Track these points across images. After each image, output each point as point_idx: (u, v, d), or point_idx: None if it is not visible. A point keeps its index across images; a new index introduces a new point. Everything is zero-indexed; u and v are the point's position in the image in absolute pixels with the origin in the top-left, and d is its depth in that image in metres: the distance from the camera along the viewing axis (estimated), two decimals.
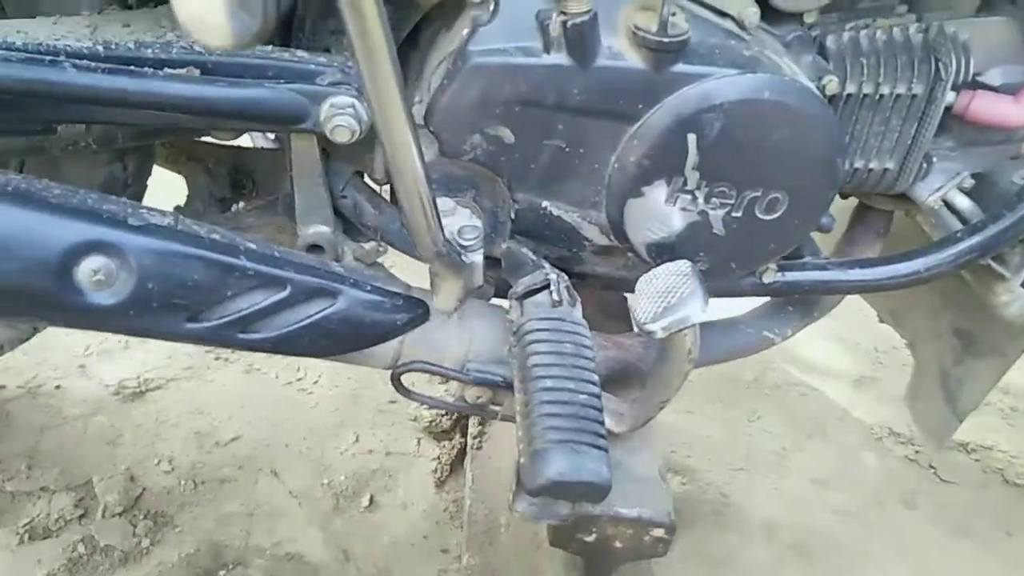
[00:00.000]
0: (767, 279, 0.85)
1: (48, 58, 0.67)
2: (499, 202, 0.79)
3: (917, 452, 1.46)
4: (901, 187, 0.86)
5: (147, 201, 1.01)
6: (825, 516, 1.33)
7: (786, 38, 0.77)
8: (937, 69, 0.78)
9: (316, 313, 0.73)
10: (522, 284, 0.77)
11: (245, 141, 1.30)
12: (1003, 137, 0.85)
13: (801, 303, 0.95)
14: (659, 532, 0.79)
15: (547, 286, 0.75)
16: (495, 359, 0.79)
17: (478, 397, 0.80)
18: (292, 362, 1.51)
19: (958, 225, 0.87)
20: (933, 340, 1.09)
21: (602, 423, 0.66)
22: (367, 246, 0.86)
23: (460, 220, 0.77)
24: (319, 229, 0.83)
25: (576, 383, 0.67)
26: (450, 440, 1.37)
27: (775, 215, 0.75)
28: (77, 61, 0.67)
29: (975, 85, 0.80)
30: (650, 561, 1.06)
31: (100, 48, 0.70)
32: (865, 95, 0.79)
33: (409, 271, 0.83)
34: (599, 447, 0.64)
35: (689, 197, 0.73)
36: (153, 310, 0.68)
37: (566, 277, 0.76)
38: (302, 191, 0.81)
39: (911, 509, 1.36)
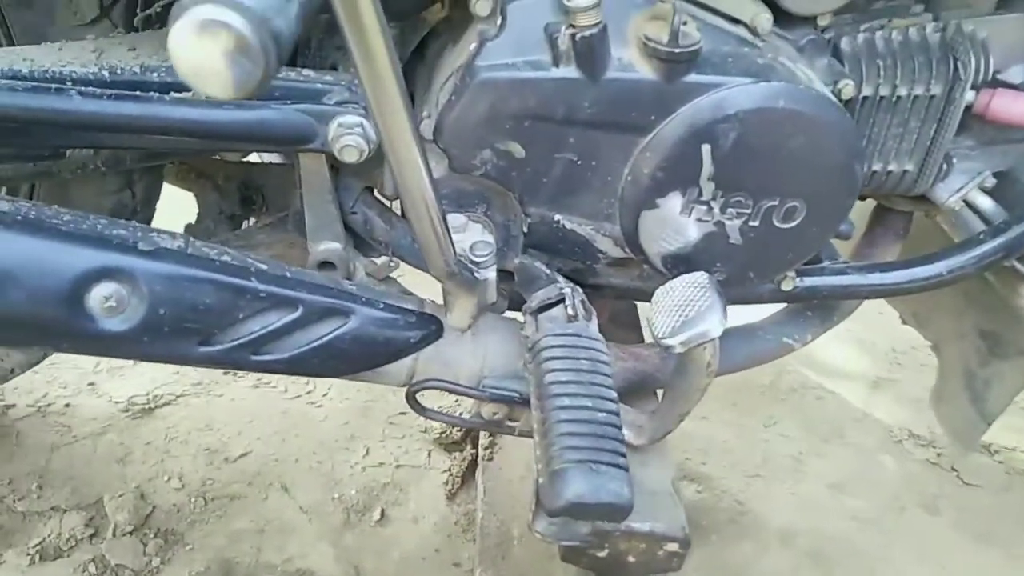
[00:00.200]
0: (786, 286, 0.84)
1: (54, 86, 0.67)
2: (511, 216, 0.78)
3: (939, 455, 1.44)
4: (921, 188, 0.85)
5: (157, 217, 1.00)
6: (843, 522, 1.31)
7: (800, 42, 0.75)
8: (955, 68, 0.77)
9: (328, 333, 0.73)
10: (536, 298, 0.76)
11: (254, 156, 1.30)
12: None
13: (820, 308, 0.94)
14: (673, 547, 0.78)
15: (562, 300, 0.74)
16: (511, 374, 0.78)
17: (494, 413, 0.79)
18: (301, 377, 1.50)
19: (980, 226, 0.86)
20: (958, 341, 1.07)
21: (621, 441, 0.65)
22: (379, 262, 0.85)
23: (472, 236, 0.76)
24: (330, 246, 0.82)
25: (594, 400, 0.66)
26: (461, 452, 1.36)
27: (793, 224, 0.73)
28: (83, 88, 0.67)
29: (995, 83, 0.78)
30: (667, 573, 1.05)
31: (106, 73, 0.70)
32: (882, 97, 0.78)
33: (423, 282, 0.82)
34: (619, 466, 0.63)
35: (705, 207, 0.72)
36: (165, 335, 0.68)
37: (580, 290, 0.75)
38: (312, 208, 0.80)
39: (932, 514, 1.34)
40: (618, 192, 0.73)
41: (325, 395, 1.47)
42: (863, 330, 1.72)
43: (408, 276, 0.84)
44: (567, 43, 0.66)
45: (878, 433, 1.50)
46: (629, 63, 0.67)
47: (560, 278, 0.77)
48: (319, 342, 0.73)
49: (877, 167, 0.82)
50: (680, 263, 0.75)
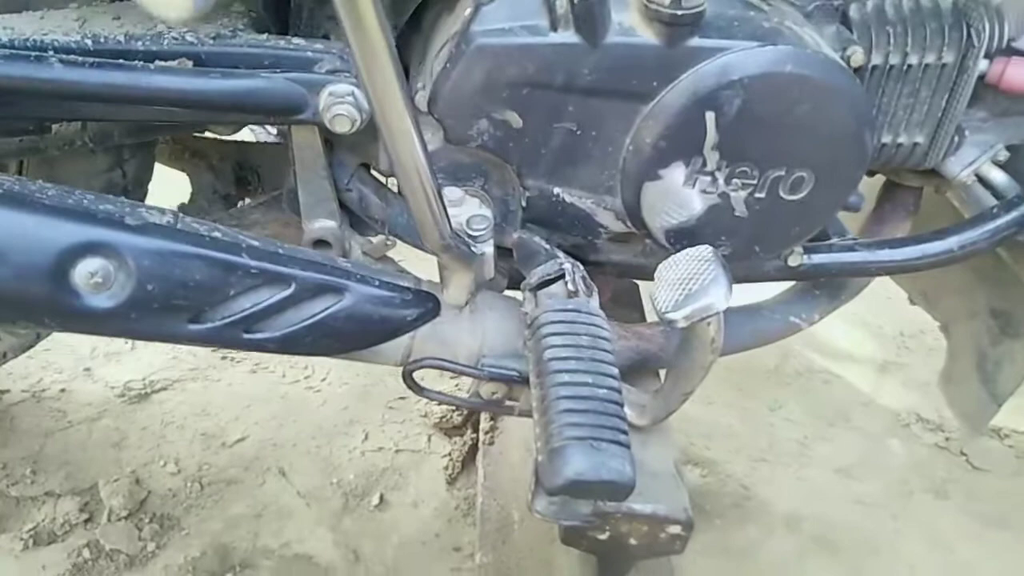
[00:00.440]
0: (793, 262, 0.81)
1: (34, 54, 0.65)
2: (509, 190, 0.76)
3: (947, 439, 1.42)
4: (931, 162, 0.82)
5: (150, 198, 0.99)
6: (850, 507, 1.29)
7: (807, 8, 0.73)
8: (968, 36, 0.74)
9: (322, 311, 0.71)
10: (536, 274, 0.74)
11: (249, 136, 1.28)
12: None
13: (828, 286, 0.91)
14: (675, 529, 0.76)
15: (562, 276, 0.72)
16: (510, 353, 0.77)
17: (493, 393, 0.77)
18: (299, 360, 1.49)
19: (992, 200, 0.83)
20: (968, 321, 1.05)
21: (623, 418, 0.63)
22: (375, 240, 0.83)
23: (469, 210, 0.74)
24: (325, 224, 0.80)
25: (594, 376, 0.64)
26: (461, 436, 1.34)
27: (800, 195, 0.71)
28: (65, 56, 0.65)
29: (1010, 52, 0.76)
30: (670, 556, 1.04)
31: (89, 42, 0.67)
32: (892, 66, 0.75)
33: (421, 266, 0.80)
34: (620, 443, 0.61)
35: (709, 179, 0.69)
36: (154, 312, 0.66)
37: (581, 266, 0.73)
38: (306, 185, 0.78)
39: (941, 499, 1.32)
40: (619, 163, 0.70)
41: (324, 380, 1.45)
42: (870, 313, 1.69)
43: (408, 263, 0.82)
44: (565, 7, 0.64)
45: (885, 417, 1.48)
46: (630, 27, 0.65)
47: (560, 254, 0.75)
48: (313, 320, 0.71)
49: (886, 140, 0.80)
50: (683, 237, 0.73)
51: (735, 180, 0.70)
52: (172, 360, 1.45)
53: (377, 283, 0.73)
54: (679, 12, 0.63)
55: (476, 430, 1.33)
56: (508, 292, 0.84)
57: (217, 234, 0.69)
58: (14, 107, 0.69)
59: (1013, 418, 1.43)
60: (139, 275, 0.65)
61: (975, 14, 0.74)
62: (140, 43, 0.68)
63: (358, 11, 0.47)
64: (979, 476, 1.37)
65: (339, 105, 0.67)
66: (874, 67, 0.75)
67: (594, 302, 0.71)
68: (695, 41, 0.65)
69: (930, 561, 1.21)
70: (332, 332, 0.72)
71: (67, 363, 1.41)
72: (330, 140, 0.77)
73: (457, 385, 1.32)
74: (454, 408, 1.36)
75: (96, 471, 1.20)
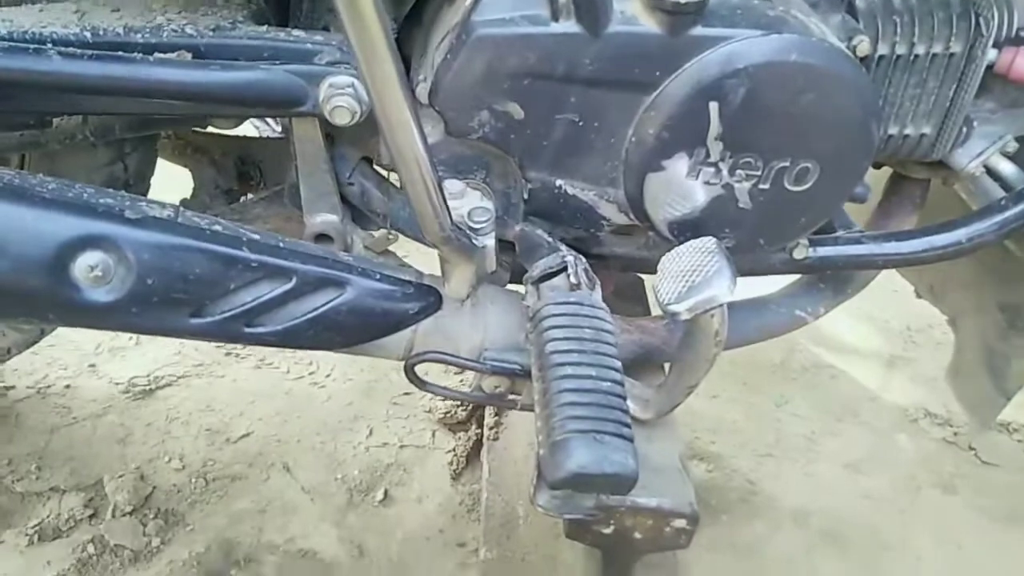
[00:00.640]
0: (798, 255, 0.81)
1: (33, 47, 0.64)
2: (511, 183, 0.75)
3: (955, 434, 1.41)
4: (939, 154, 0.81)
5: (152, 193, 0.98)
6: (858, 502, 1.28)
7: None
8: (977, 25, 0.73)
9: (324, 304, 0.70)
10: (538, 267, 0.73)
11: (251, 132, 1.28)
12: None
13: (834, 279, 0.91)
14: (681, 523, 0.75)
15: (564, 269, 0.71)
16: (512, 346, 0.76)
17: (496, 387, 0.77)
18: (304, 356, 1.49)
19: (1000, 192, 0.82)
20: (976, 315, 1.04)
21: (626, 411, 0.62)
22: (377, 234, 0.83)
23: (470, 202, 0.73)
24: (327, 218, 0.80)
25: (597, 369, 0.63)
26: (466, 432, 1.34)
27: (805, 186, 0.70)
28: (63, 49, 0.65)
29: (1018, 41, 0.74)
30: (675, 551, 1.03)
31: (88, 35, 0.67)
32: (899, 56, 0.74)
33: (424, 260, 0.79)
34: (623, 436, 0.60)
35: (712, 170, 0.69)
36: (154, 306, 0.66)
37: (583, 259, 0.73)
38: (307, 179, 0.78)
39: (949, 493, 1.31)
40: (622, 154, 0.70)
41: (328, 376, 1.45)
42: (877, 308, 1.68)
43: (411, 259, 0.81)
44: None
45: (893, 412, 1.47)
46: (632, 16, 0.64)
47: (562, 246, 0.74)
48: (314, 313, 0.70)
49: (893, 131, 0.79)
50: (687, 229, 0.72)
51: (739, 171, 0.69)
52: (176, 356, 1.45)
53: (379, 277, 0.73)
54: (682, 1, 0.62)
55: (480, 426, 1.32)
56: (510, 286, 0.84)
57: (218, 228, 0.68)
58: (14, 100, 0.69)
59: (1022, 412, 1.42)
60: (139, 269, 0.64)
61: (984, 3, 0.72)
62: (139, 35, 0.68)
63: (356, 4, 0.46)
64: (987, 471, 1.36)
65: (339, 97, 0.67)
66: (880, 57, 0.74)
67: (597, 295, 0.70)
68: (698, 30, 0.64)
69: (938, 556, 1.20)
70: (334, 326, 0.71)
71: (72, 359, 1.41)
72: (331, 134, 0.77)
73: (461, 380, 1.31)
74: (458, 404, 1.36)
75: (101, 467, 1.20)
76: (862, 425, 1.44)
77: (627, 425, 0.61)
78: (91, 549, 1.09)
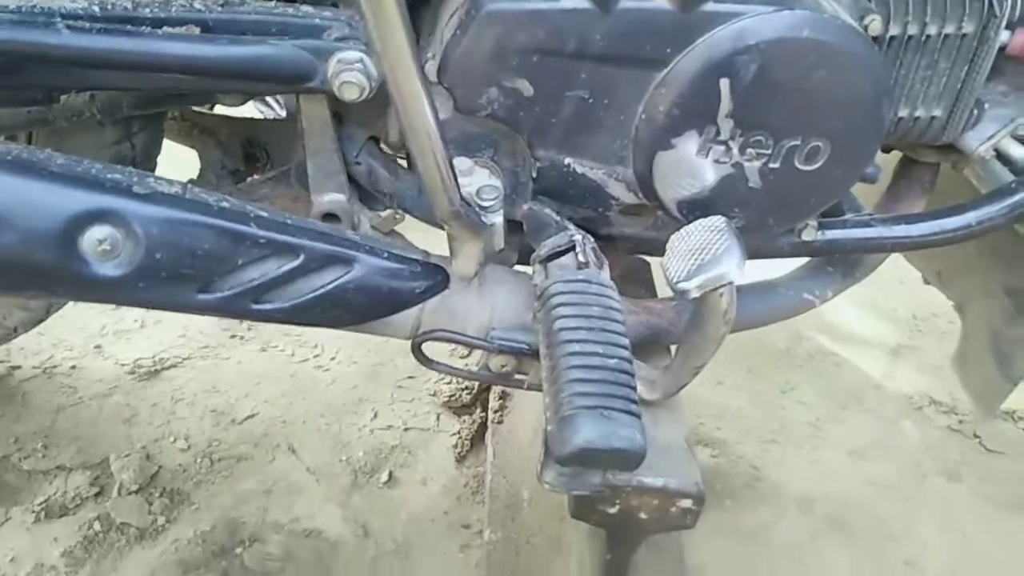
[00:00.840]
0: (807, 236, 0.80)
1: (42, 19, 0.64)
2: (519, 161, 0.75)
3: (960, 422, 1.40)
4: (949, 136, 0.80)
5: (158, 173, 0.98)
6: (863, 489, 1.28)
7: None
8: (990, 5, 0.72)
9: (331, 282, 0.70)
10: (546, 246, 0.73)
11: (255, 116, 1.27)
12: None
13: (842, 263, 0.90)
14: (686, 503, 0.75)
15: (572, 248, 0.71)
16: (519, 326, 0.76)
17: (503, 366, 0.77)
18: (309, 339, 1.49)
19: (1010, 176, 0.81)
20: (983, 300, 1.03)
21: (634, 387, 0.62)
22: (384, 214, 0.82)
23: (478, 180, 0.73)
24: (334, 197, 0.79)
25: (605, 346, 0.63)
26: (470, 415, 1.34)
27: (816, 165, 0.70)
28: (72, 22, 0.64)
29: None
30: (680, 534, 1.03)
31: (96, 8, 0.67)
32: (910, 36, 0.73)
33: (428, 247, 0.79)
34: (631, 412, 0.60)
35: (722, 148, 0.68)
36: (162, 281, 0.66)
37: (592, 239, 0.72)
38: (314, 158, 0.78)
39: (954, 481, 1.31)
40: (631, 132, 0.69)
41: (333, 359, 1.45)
42: (883, 297, 1.68)
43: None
44: None
45: (898, 400, 1.47)
46: None
47: (571, 226, 0.74)
48: (322, 291, 0.70)
49: (903, 113, 0.78)
50: (696, 208, 0.72)
51: (749, 150, 0.68)
52: (182, 338, 1.46)
53: (386, 255, 0.73)
54: None
55: (485, 409, 1.33)
56: (516, 267, 0.84)
57: (225, 204, 0.68)
58: (22, 74, 0.69)
59: None
60: (147, 243, 0.64)
61: None
62: (148, 9, 0.67)
63: None
64: (993, 459, 1.35)
65: (348, 72, 0.66)
66: (892, 37, 0.73)
67: (605, 274, 0.70)
68: (710, 6, 0.63)
69: (943, 543, 1.20)
70: (341, 303, 0.71)
71: (78, 340, 1.42)
72: (339, 113, 0.77)
73: (466, 364, 1.31)
74: (463, 388, 1.36)
75: (107, 446, 1.21)
76: (867, 413, 1.44)
77: (635, 401, 0.61)
78: (97, 527, 1.09)
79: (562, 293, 0.66)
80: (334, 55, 0.67)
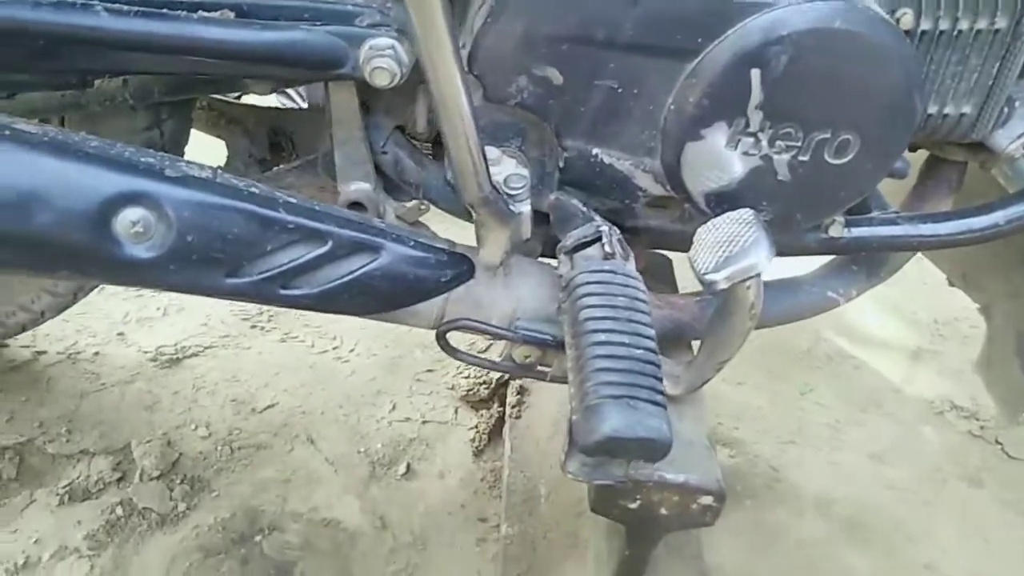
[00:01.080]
0: (834, 232, 0.80)
1: (80, 2, 0.65)
2: (546, 151, 0.75)
3: (982, 427, 1.39)
4: (979, 134, 0.80)
5: None
6: (882, 492, 1.27)
7: None
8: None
9: (358, 269, 0.71)
10: (572, 237, 0.73)
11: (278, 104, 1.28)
12: None
13: (867, 262, 0.89)
14: (707, 500, 0.75)
15: (598, 238, 0.71)
16: (544, 317, 0.76)
17: (526, 357, 0.77)
18: (328, 330, 1.50)
19: None
20: (1009, 302, 1.02)
21: (659, 378, 0.62)
22: (409, 204, 0.83)
23: (506, 169, 0.73)
24: (360, 186, 0.80)
25: (631, 337, 0.63)
26: (488, 409, 1.34)
27: (845, 159, 0.69)
28: (110, 5, 0.65)
29: None
30: (698, 532, 1.03)
31: None
32: (942, 31, 0.73)
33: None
34: (657, 403, 0.60)
35: (752, 140, 0.68)
36: (192, 264, 0.67)
37: (618, 230, 0.72)
38: (342, 146, 0.78)
39: (975, 487, 1.30)
40: (660, 123, 0.69)
41: (352, 351, 1.46)
42: (904, 300, 1.66)
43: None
44: None
45: (918, 404, 1.45)
46: None
47: (597, 216, 0.74)
48: (349, 277, 0.71)
49: (932, 110, 0.77)
50: (724, 201, 0.72)
51: (779, 142, 0.68)
52: (203, 327, 1.47)
53: (413, 243, 0.73)
54: None
55: (502, 404, 1.33)
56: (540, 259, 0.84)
57: (255, 190, 0.69)
58: (60, 58, 0.70)
59: None
60: (179, 226, 0.65)
61: None
62: None
63: None
64: (1014, 465, 1.34)
65: (379, 58, 0.67)
66: (923, 32, 0.73)
67: (631, 265, 0.70)
68: None
69: (963, 548, 1.19)
70: (368, 290, 0.72)
71: (101, 327, 1.44)
72: (366, 102, 0.77)
73: (482, 353, 1.31)
74: (481, 381, 1.36)
75: (129, 432, 1.22)
76: (887, 416, 1.42)
77: (661, 392, 0.61)
78: (119, 511, 1.10)
79: (589, 283, 0.66)
80: (366, 41, 0.67)
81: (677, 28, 0.65)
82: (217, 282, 0.68)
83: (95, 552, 1.07)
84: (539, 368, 0.79)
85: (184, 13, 0.66)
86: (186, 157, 0.99)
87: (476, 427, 1.31)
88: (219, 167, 1.00)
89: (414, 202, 0.83)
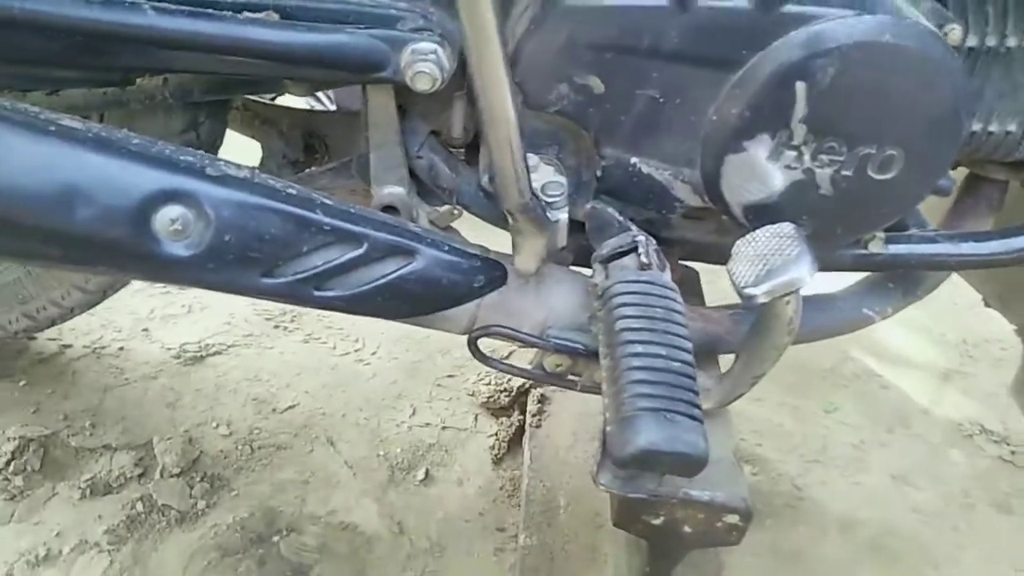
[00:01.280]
0: (874, 248, 0.78)
1: (128, 1, 0.66)
2: (583, 160, 0.75)
3: (1012, 452, 1.36)
4: (1023, 153, 0.78)
5: None
6: (907, 515, 1.25)
7: None
8: None
9: (393, 272, 0.71)
10: (607, 246, 0.72)
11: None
12: None
13: (903, 279, 0.88)
14: (733, 518, 0.73)
15: (634, 248, 0.71)
16: (576, 326, 0.75)
17: (557, 365, 0.76)
18: (350, 333, 1.50)
19: None
20: None
21: (696, 392, 0.61)
22: (442, 209, 0.83)
23: (544, 176, 0.73)
24: (394, 190, 0.80)
25: (668, 349, 0.62)
26: (508, 417, 1.34)
27: (889, 175, 0.68)
28: (157, 4, 0.66)
29: None
30: (719, 551, 1.01)
31: None
32: (988, 47, 0.72)
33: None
34: (695, 417, 0.59)
35: (794, 153, 0.67)
36: (229, 263, 0.67)
37: (654, 240, 0.72)
38: (378, 150, 0.78)
39: (1004, 513, 1.27)
40: (701, 134, 0.69)
41: (374, 354, 1.46)
42: (933, 321, 1.64)
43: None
44: None
45: (946, 426, 1.43)
46: None
47: (633, 226, 0.74)
48: (383, 281, 0.71)
49: (976, 127, 0.76)
50: (763, 214, 0.71)
51: (822, 156, 0.67)
52: (227, 325, 1.48)
53: (447, 248, 0.73)
54: None
55: (523, 412, 1.32)
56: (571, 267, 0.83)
57: (292, 191, 0.69)
58: (106, 55, 0.71)
59: None
60: (217, 225, 0.65)
61: None
62: None
63: None
64: None
65: (421, 63, 0.67)
66: (970, 48, 0.72)
67: (667, 276, 0.69)
68: (790, 7, 0.62)
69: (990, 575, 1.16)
70: (401, 294, 0.71)
71: (126, 323, 1.45)
72: (403, 106, 0.77)
73: (505, 358, 1.31)
74: (502, 389, 1.36)
75: (151, 428, 1.23)
76: (913, 437, 1.40)
77: (698, 406, 0.60)
78: (140, 507, 1.11)
79: (625, 293, 0.65)
80: (408, 45, 0.67)
81: (722, 38, 0.64)
82: (253, 282, 0.68)
83: (115, 547, 1.07)
84: (569, 377, 0.78)
85: (229, 13, 0.66)
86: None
87: (496, 435, 1.31)
88: (254, 167, 1.01)
89: (446, 207, 0.83)
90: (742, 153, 0.68)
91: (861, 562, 1.17)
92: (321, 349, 1.45)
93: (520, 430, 1.30)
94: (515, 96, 0.69)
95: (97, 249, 0.65)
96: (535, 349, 0.77)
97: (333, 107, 1.70)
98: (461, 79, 0.72)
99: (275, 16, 0.68)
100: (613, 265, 0.71)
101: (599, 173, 0.74)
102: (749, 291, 0.61)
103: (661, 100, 0.68)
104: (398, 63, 0.67)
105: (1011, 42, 0.72)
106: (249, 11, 0.67)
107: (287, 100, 1.21)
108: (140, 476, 1.16)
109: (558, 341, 0.75)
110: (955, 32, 0.69)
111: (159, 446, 1.19)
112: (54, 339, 1.37)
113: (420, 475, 1.23)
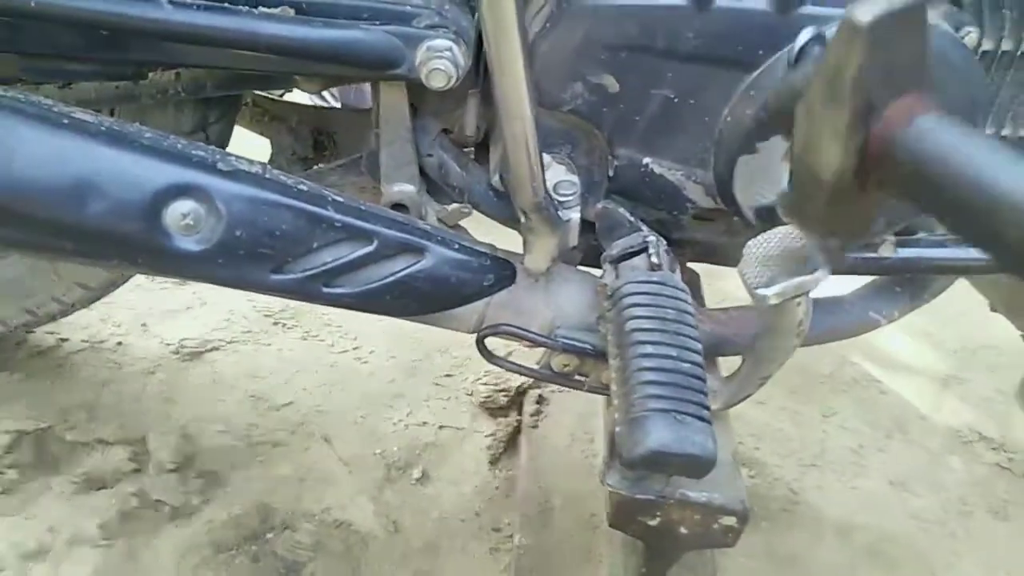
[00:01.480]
0: (884, 252, 0.79)
1: None
2: (595, 160, 0.74)
3: (1010, 459, 1.36)
4: None
5: None
6: (904, 521, 1.25)
7: None
8: None
9: (402, 270, 0.70)
10: (617, 246, 0.72)
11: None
12: None
13: (911, 284, 0.88)
14: (730, 520, 0.73)
15: (644, 249, 0.71)
16: (584, 326, 0.75)
17: (565, 365, 0.76)
18: (349, 331, 1.49)
19: None
20: None
21: (706, 394, 0.61)
22: (451, 207, 0.82)
23: (556, 175, 0.73)
24: (404, 188, 0.79)
25: (678, 350, 0.62)
26: (505, 417, 1.33)
27: None
28: None
29: None
30: (714, 553, 1.01)
31: None
32: (1004, 52, 0.72)
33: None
34: (704, 419, 0.59)
35: None
36: (239, 258, 0.66)
37: (664, 241, 0.72)
38: (388, 147, 0.78)
39: (1002, 520, 1.27)
40: (715, 134, 0.69)
41: (372, 352, 1.45)
42: (933, 326, 1.64)
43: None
44: None
45: (945, 433, 1.43)
46: None
47: (643, 227, 0.74)
48: (392, 278, 0.70)
49: (989, 132, 0.76)
50: (775, 216, 0.70)
51: None
52: (225, 322, 1.47)
53: (457, 246, 0.73)
54: None
55: (520, 412, 1.32)
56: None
57: (303, 187, 0.69)
58: (122, 49, 0.70)
59: None
60: (228, 220, 0.65)
61: None
62: None
63: None
64: None
65: (437, 60, 0.66)
66: (984, 52, 0.72)
67: (677, 277, 0.69)
68: (808, 9, 0.63)
69: None
70: (410, 292, 0.71)
71: (125, 317, 1.43)
72: (414, 104, 0.77)
73: (508, 355, 1.30)
74: (500, 389, 1.35)
75: (147, 423, 1.21)
76: (912, 443, 1.40)
77: (707, 408, 0.60)
78: (134, 502, 1.09)
79: (637, 293, 0.65)
80: (423, 42, 0.67)
81: (739, 39, 0.64)
82: (262, 277, 0.68)
83: (108, 542, 1.06)
84: (576, 377, 0.78)
85: (245, 8, 0.66)
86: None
87: (493, 435, 1.30)
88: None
89: (456, 205, 0.83)
90: (756, 155, 0.68)
91: (857, 567, 1.17)
92: (320, 347, 1.45)
93: (517, 430, 1.30)
94: (531, 94, 0.70)
95: (108, 242, 0.65)
96: (541, 348, 0.76)
97: (337, 103, 1.69)
98: (474, 77, 0.72)
99: (290, 12, 0.67)
100: (623, 265, 0.71)
101: (611, 173, 0.74)
102: (761, 292, 0.61)
103: (675, 100, 0.68)
104: (413, 60, 0.67)
105: None
106: (265, 6, 0.67)
107: (294, 97, 1.20)
108: (135, 471, 1.14)
109: (566, 341, 0.75)
110: (971, 36, 0.69)
111: (154, 441, 1.17)
112: (51, 332, 1.36)
113: (416, 474, 1.23)
